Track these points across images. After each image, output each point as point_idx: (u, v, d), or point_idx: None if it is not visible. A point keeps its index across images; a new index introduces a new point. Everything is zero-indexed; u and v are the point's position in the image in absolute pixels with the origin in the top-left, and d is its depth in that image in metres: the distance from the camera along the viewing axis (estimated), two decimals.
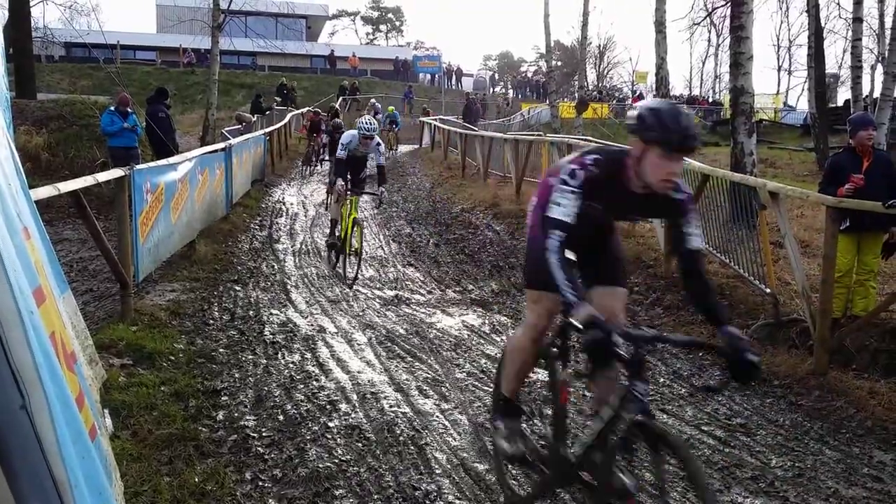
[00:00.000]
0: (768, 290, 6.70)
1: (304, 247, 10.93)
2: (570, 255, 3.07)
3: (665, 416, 5.02)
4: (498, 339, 6.77)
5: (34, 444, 1.81)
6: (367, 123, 9.53)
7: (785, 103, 42.13)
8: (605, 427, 2.98)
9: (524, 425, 3.68)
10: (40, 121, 15.15)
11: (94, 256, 9.03)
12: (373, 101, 30.66)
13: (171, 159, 8.86)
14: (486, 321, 7.36)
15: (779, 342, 6.35)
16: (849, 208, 5.78)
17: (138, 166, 7.16)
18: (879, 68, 24.69)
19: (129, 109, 12.84)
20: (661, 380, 5.75)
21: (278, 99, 29.56)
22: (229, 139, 14.10)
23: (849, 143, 6.54)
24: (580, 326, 2.78)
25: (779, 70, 53.15)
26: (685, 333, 6.79)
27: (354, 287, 8.75)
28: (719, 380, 4.34)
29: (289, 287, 8.55)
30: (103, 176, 6.57)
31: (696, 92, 53.50)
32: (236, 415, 4.78)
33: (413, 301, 8.23)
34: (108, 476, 3.04)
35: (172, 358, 5.72)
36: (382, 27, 68.62)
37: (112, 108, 12.90)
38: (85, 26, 32.70)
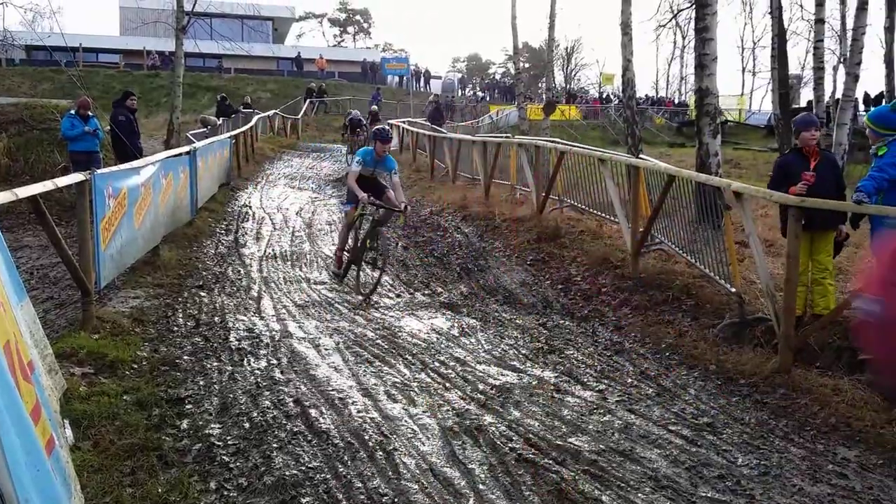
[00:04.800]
0: (734, 290, 6.76)
1: (270, 251, 10.82)
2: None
3: (633, 416, 5.04)
4: (467, 341, 6.76)
5: None
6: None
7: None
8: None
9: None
10: (0, 125, 14.84)
11: (54, 263, 8.85)
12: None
13: (134, 163, 8.71)
14: (455, 324, 7.35)
15: (744, 341, 6.41)
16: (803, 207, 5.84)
17: (100, 171, 7.02)
18: (841, 69, 25.14)
19: (89, 113, 12.61)
20: (629, 380, 5.78)
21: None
22: (194, 142, 13.93)
23: (795, 145, 6.66)
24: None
25: (743, 71, 54.01)
26: (653, 334, 6.86)
27: (322, 292, 8.69)
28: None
29: (255, 292, 8.45)
30: (63, 181, 6.43)
31: (662, 93, 54.18)
32: (201, 423, 4.70)
33: (381, 305, 8.19)
34: (67, 488, 2.97)
35: (135, 366, 5.63)
36: (350, 29, 68.46)
37: (72, 112, 12.65)
38: (46, 29, 32.21)
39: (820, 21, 18.06)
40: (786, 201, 5.97)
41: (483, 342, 6.79)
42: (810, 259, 6.35)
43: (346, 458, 4.28)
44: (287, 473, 4.06)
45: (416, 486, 3.96)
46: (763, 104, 48.00)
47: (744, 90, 52.05)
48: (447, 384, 5.57)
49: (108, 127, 13.47)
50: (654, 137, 33.93)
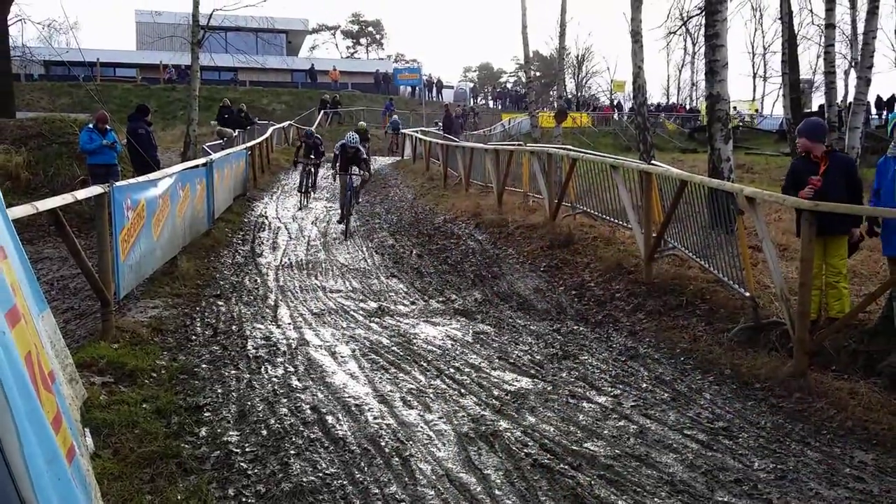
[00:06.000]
0: (748, 294, 6.76)
1: (286, 260, 10.90)
2: None
3: (648, 420, 5.04)
4: (482, 348, 6.78)
5: (1, 466, 1.79)
6: None
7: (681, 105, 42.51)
8: None
9: None
10: (20, 139, 15.04)
11: (74, 274, 8.97)
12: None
13: (152, 175, 8.82)
14: (470, 331, 7.37)
15: (759, 345, 6.40)
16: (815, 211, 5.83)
17: (118, 183, 7.12)
18: (853, 73, 25.02)
19: (107, 126, 12.76)
20: (644, 385, 5.78)
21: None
22: (210, 154, 14.07)
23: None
24: None
25: (754, 77, 53.83)
26: (667, 339, 6.85)
27: (338, 300, 8.74)
28: None
29: (271, 301, 8.52)
30: (82, 193, 6.54)
31: (673, 100, 54.11)
32: (219, 431, 4.75)
33: (396, 312, 8.22)
34: (88, 496, 3.01)
35: (154, 375, 5.69)
36: (363, 41, 68.92)
37: (90, 126, 12.81)
38: (64, 44, 32.53)
39: (830, 26, 18.00)
40: (799, 205, 5.97)
41: (498, 348, 6.82)
42: (824, 262, 6.34)
43: (362, 464, 4.31)
44: (304, 480, 4.10)
45: (433, 492, 3.99)
46: (775, 109, 47.86)
47: (755, 95, 51.90)
48: (462, 390, 5.60)
49: (126, 140, 13.63)
50: (666, 143, 33.88)
